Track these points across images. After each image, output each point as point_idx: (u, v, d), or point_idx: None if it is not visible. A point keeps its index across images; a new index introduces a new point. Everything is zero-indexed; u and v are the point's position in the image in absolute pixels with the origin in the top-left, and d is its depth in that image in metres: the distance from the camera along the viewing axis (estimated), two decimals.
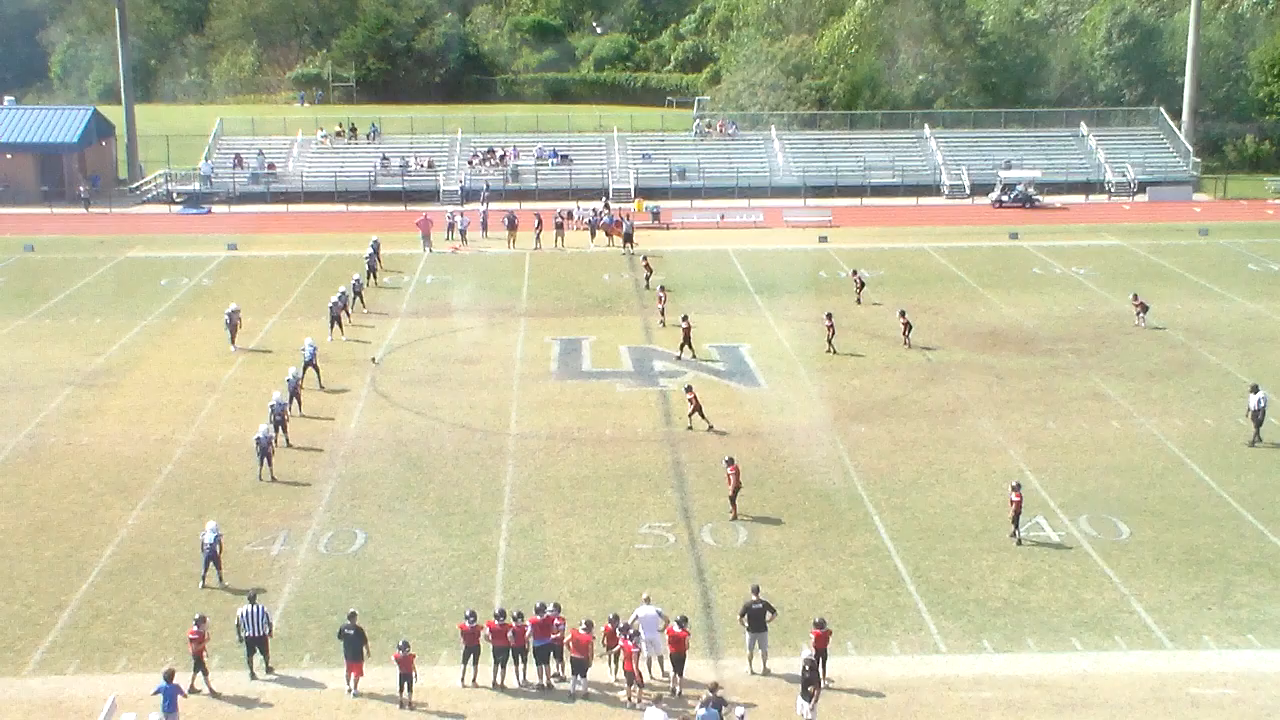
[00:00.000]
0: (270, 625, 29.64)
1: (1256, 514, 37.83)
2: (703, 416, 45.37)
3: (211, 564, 33.78)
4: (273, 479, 40.76)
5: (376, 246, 70.77)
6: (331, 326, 56.89)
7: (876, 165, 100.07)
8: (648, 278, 67.14)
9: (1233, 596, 32.92)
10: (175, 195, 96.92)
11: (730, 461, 38.20)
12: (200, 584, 33.74)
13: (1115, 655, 30.19)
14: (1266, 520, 37.37)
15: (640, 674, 28.55)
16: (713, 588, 33.53)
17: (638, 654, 28.60)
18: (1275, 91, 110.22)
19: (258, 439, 41.09)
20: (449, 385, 50.60)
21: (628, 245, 76.92)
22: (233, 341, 55.50)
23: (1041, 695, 28.52)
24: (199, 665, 28.81)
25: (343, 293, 59.13)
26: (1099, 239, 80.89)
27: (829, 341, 54.75)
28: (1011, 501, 36.24)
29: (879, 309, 61.80)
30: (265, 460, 40.98)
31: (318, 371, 50.01)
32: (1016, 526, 36.26)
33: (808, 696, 27.09)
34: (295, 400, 46.62)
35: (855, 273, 64.85)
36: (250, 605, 29.59)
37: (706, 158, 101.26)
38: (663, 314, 59.15)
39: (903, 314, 56.39)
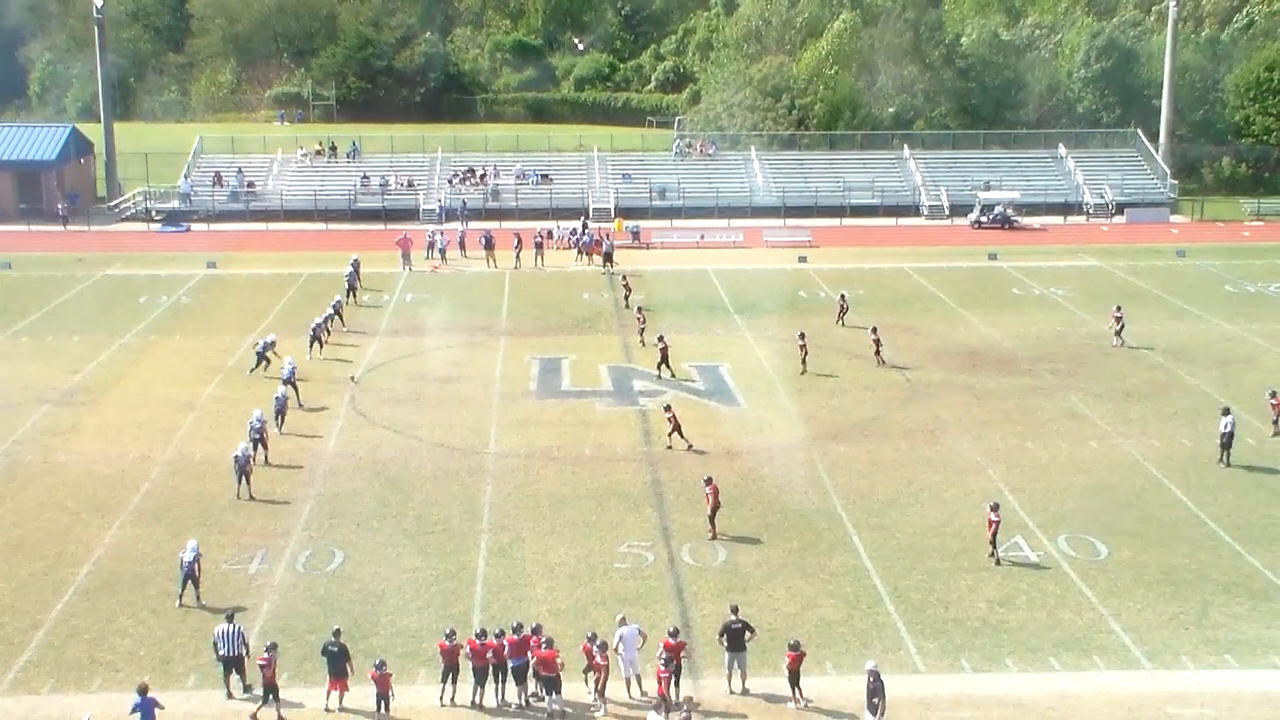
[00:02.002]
0: (247, 645, 29.50)
1: (1233, 534, 37.96)
2: (682, 435, 45.38)
3: (190, 583, 33.58)
4: (250, 497, 40.60)
5: (357, 265, 70.65)
6: (311, 345, 56.64)
7: (856, 186, 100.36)
8: (627, 297, 67.19)
9: (1210, 616, 33.01)
10: (154, 213, 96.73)
11: (709, 481, 38.20)
12: (177, 602, 33.57)
13: (1093, 675, 30.23)
14: (1243, 540, 37.50)
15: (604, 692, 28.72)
16: (692, 607, 33.49)
17: (626, 675, 28.65)
18: (1251, 115, 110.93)
19: (236, 457, 40.96)
20: (428, 404, 50.52)
21: (608, 265, 76.98)
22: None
23: (1020, 715, 28.54)
24: (271, 692, 28.54)
25: (328, 315, 58.77)
26: (1077, 260, 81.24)
27: (802, 362, 54.78)
28: (990, 522, 36.27)
29: (859, 330, 61.85)
30: (243, 479, 40.81)
31: (296, 390, 49.87)
32: (995, 547, 36.32)
33: (874, 709, 27.19)
34: (280, 419, 46.47)
35: (842, 296, 64.21)
36: (228, 624, 29.45)
37: (686, 177, 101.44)
38: (642, 334, 59.14)
39: (874, 331, 56.56)
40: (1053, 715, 28.53)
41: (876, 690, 27.28)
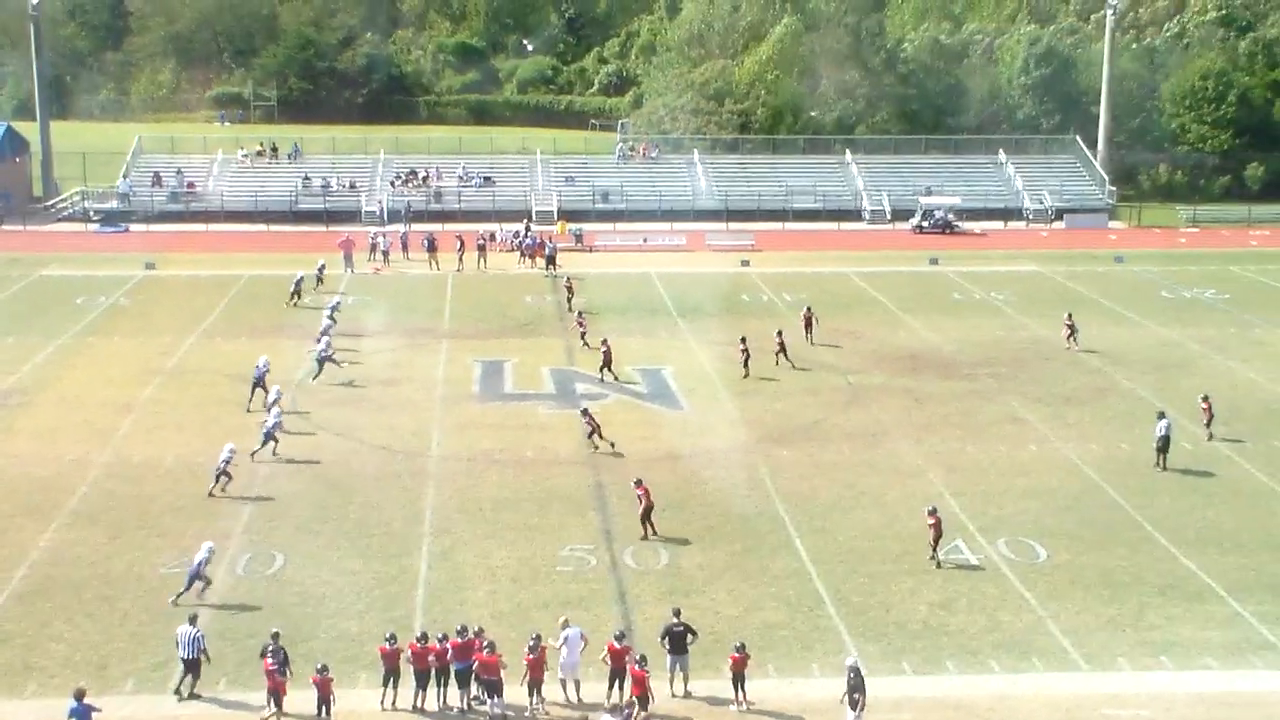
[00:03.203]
0: (203, 650, 29.21)
1: (1170, 537, 38.37)
2: (601, 437, 45.32)
3: (198, 582, 33.38)
4: (211, 495, 40.50)
5: (321, 269, 71.02)
6: (322, 370, 54.23)
7: (798, 190, 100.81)
8: (569, 299, 67.14)
9: (1146, 618, 33.35)
10: (92, 213, 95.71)
11: (639, 483, 38.20)
12: (174, 600, 33.23)
13: (1032, 677, 30.46)
14: (1179, 543, 37.91)
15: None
16: (634, 610, 33.49)
17: (562, 677, 28.61)
18: (1187, 123, 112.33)
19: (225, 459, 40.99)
20: (370, 406, 50.26)
21: (550, 268, 76.89)
22: (250, 402, 49.73)
23: (960, 717, 28.72)
24: (272, 699, 28.30)
25: (326, 342, 55.89)
26: (1017, 265, 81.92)
27: (744, 365, 54.93)
28: (929, 525, 36.56)
29: (800, 334, 62.03)
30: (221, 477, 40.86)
31: (265, 390, 49.20)
32: (935, 550, 36.59)
33: (854, 704, 27.31)
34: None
35: (808, 310, 61.31)
36: (189, 627, 29.25)
37: (629, 181, 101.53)
38: (584, 338, 59.04)
39: (779, 334, 56.84)
40: (992, 717, 28.72)
41: (857, 687, 27.41)
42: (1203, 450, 45.92)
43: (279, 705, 28.23)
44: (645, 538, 37.49)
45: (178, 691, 29.10)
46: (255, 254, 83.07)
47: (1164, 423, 44.46)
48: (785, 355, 56.16)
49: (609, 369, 53.96)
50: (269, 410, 46.17)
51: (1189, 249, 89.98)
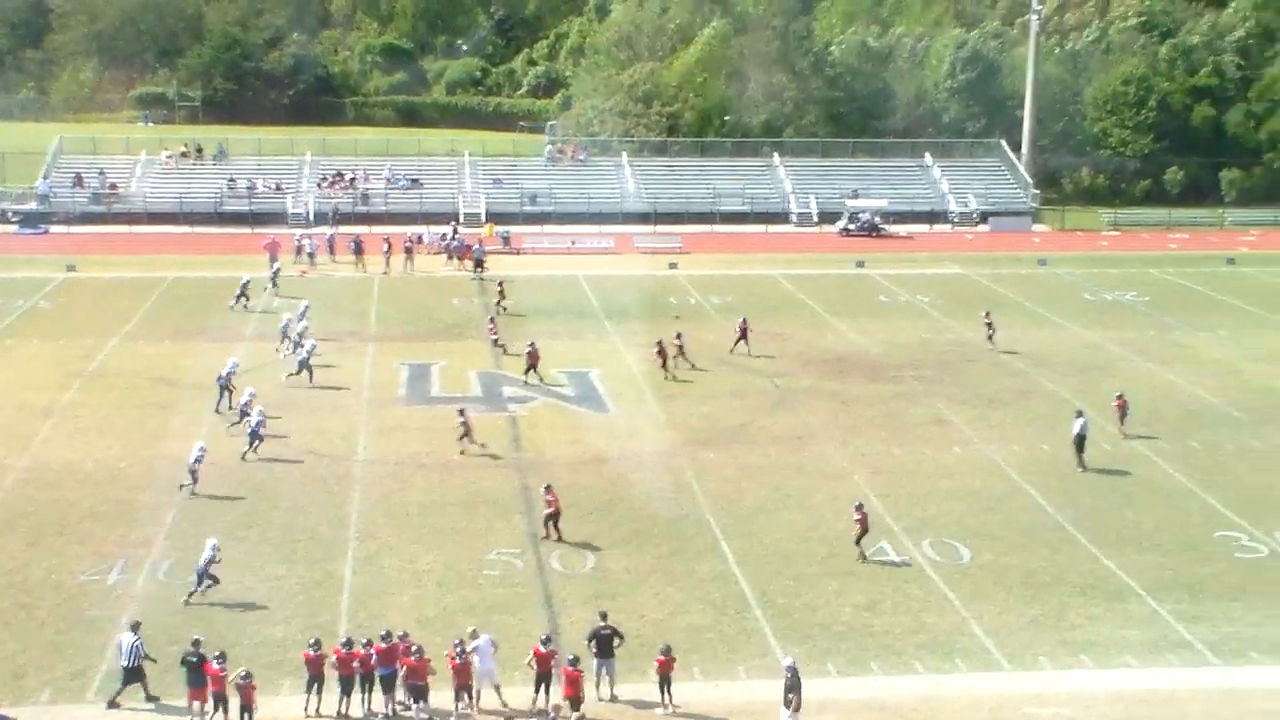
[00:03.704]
0: (140, 658, 28.85)
1: (1090, 537, 38.84)
2: (472, 440, 45.26)
3: (206, 580, 33.45)
4: (192, 493, 40.56)
5: (276, 273, 71.05)
6: (303, 371, 53.74)
7: (726, 193, 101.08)
8: (499, 302, 66.97)
9: (1067, 618, 33.75)
10: (10, 214, 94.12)
11: (548, 489, 38.11)
12: (186, 600, 33.38)
13: (955, 677, 30.75)
14: (1099, 543, 38.39)
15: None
16: (560, 614, 33.47)
17: (478, 687, 28.58)
18: (1108, 127, 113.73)
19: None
20: (295, 410, 49.84)
21: (479, 270, 76.64)
22: (219, 406, 49.24)
23: (884, 718, 28.94)
24: (219, 702, 28.02)
25: (312, 345, 55.55)
26: (942, 268, 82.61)
27: (663, 367, 55.04)
28: (856, 521, 36.91)
29: (729, 336, 62.26)
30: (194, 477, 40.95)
31: (230, 394, 48.89)
32: (859, 546, 36.94)
33: (788, 704, 27.36)
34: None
35: (744, 320, 60.15)
36: (131, 634, 28.98)
37: (558, 183, 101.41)
38: (496, 342, 58.69)
39: (678, 336, 56.91)
40: (916, 717, 28.97)
41: (793, 687, 27.51)
42: (1123, 451, 46.53)
43: (224, 709, 28.01)
44: (547, 537, 37.47)
45: (112, 700, 28.75)
46: (179, 256, 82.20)
47: (1080, 421, 45.12)
48: (683, 356, 56.18)
49: (534, 371, 53.90)
50: (243, 411, 46.04)
51: (1110, 252, 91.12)
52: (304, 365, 53.43)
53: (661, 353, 55.14)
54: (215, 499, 40.64)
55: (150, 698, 28.89)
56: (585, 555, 37.02)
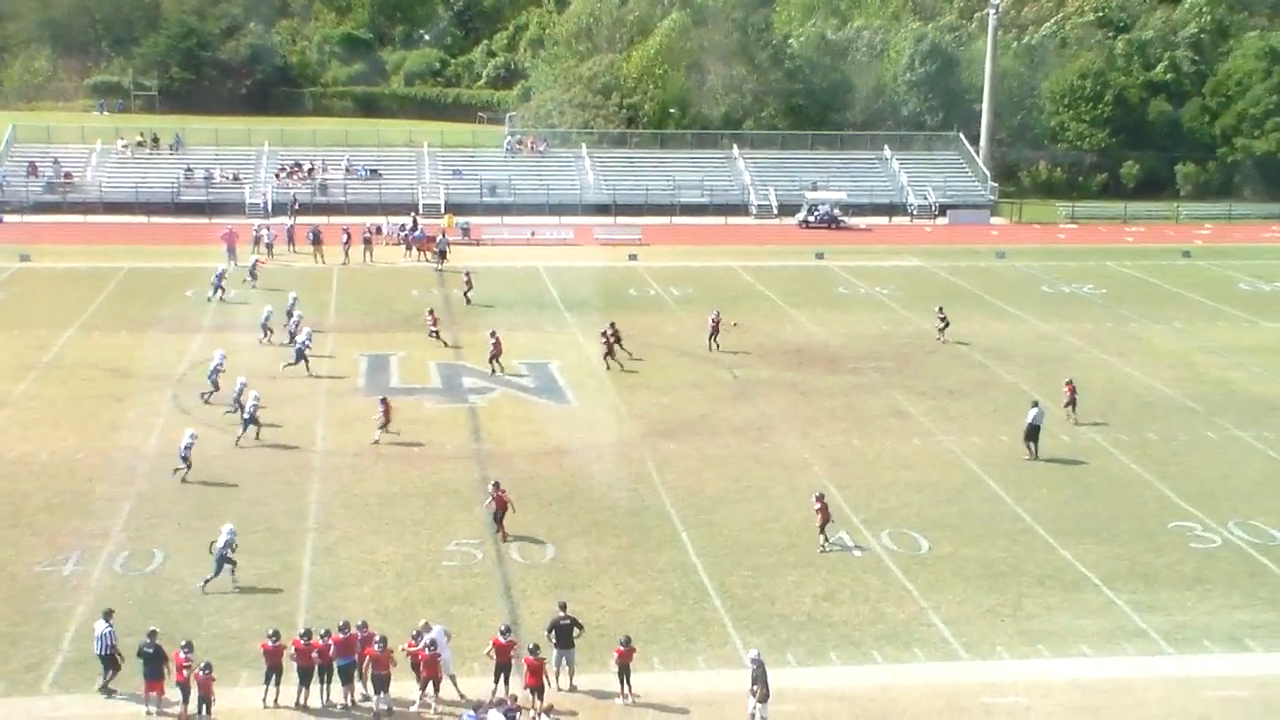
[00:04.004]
0: (112, 647, 28.69)
1: (1047, 528, 39.10)
2: (387, 430, 45.21)
3: (226, 565, 33.76)
4: (184, 479, 40.86)
5: (254, 265, 70.63)
6: (300, 361, 53.62)
7: (686, 184, 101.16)
8: (467, 293, 66.76)
9: (1025, 608, 33.97)
10: None
11: (496, 485, 38.01)
12: (201, 585, 33.62)
13: (914, 667, 30.90)
14: (1056, 534, 38.65)
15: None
16: (520, 604, 33.44)
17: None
18: (1066, 121, 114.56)
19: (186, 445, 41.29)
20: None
21: (442, 262, 76.37)
22: (209, 397, 49.25)
23: (843, 708, 29.05)
24: (186, 694, 27.85)
25: (308, 334, 55.45)
26: (901, 260, 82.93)
27: (606, 357, 55.15)
28: (816, 510, 37.24)
29: (689, 327, 62.44)
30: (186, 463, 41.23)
31: (219, 385, 49.10)
32: (823, 534, 37.23)
33: (753, 694, 27.43)
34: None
35: (717, 313, 59.69)
36: (104, 622, 28.84)
37: (517, 174, 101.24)
38: (437, 335, 58.55)
39: (611, 326, 56.88)
40: (874, 707, 29.09)
41: (759, 677, 27.58)
42: (1080, 443, 46.85)
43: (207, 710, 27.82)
44: (504, 537, 37.27)
45: (104, 688, 28.69)
46: (135, 246, 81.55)
47: (1035, 411, 45.53)
48: (620, 347, 56.13)
49: (497, 361, 53.82)
50: (237, 400, 46.00)
51: (1068, 245, 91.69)
52: (301, 355, 53.36)
53: (606, 342, 55.35)
54: (173, 490, 40.39)
55: (106, 689, 28.69)
56: (545, 546, 37.00)
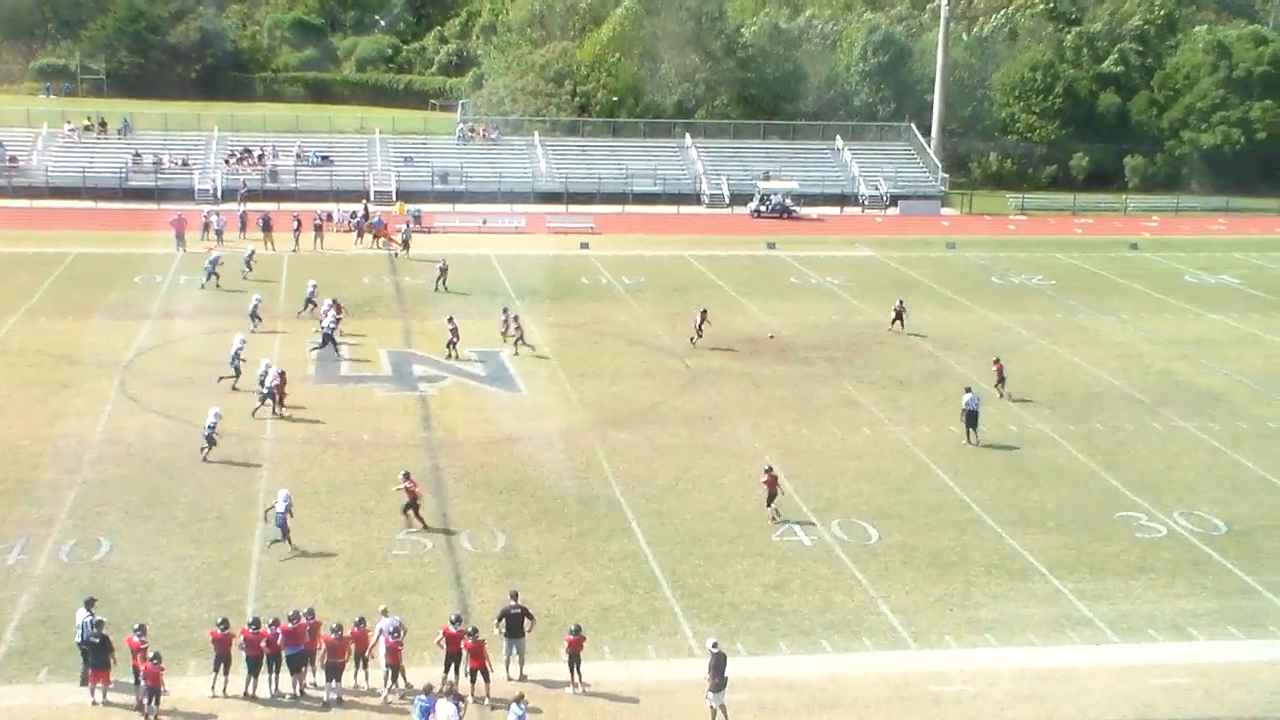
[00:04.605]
0: (90, 635, 28.37)
1: (995, 517, 39.40)
2: (280, 406, 46.02)
3: (281, 530, 35.17)
4: (205, 459, 41.53)
5: (251, 254, 69.96)
6: (326, 345, 54.39)
7: (638, 173, 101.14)
8: (442, 280, 66.51)
9: (972, 597, 34.23)
10: None
11: (406, 475, 37.89)
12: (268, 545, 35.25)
13: (863, 656, 31.08)
14: (1004, 523, 38.95)
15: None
16: (471, 593, 33.40)
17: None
18: (1016, 112, 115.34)
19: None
20: (202, 389, 49.21)
21: (404, 250, 75.92)
22: (235, 384, 49.30)
23: (792, 696, 29.19)
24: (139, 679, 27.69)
25: (335, 317, 55.78)
26: (852, 250, 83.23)
27: (513, 343, 55.72)
28: (764, 484, 38.27)
29: (640, 316, 62.46)
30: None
31: (237, 371, 49.35)
32: (771, 506, 38.19)
33: (712, 685, 27.62)
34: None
35: (704, 311, 58.74)
36: (85, 611, 28.59)
37: (469, 162, 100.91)
38: (337, 324, 58.13)
39: (514, 317, 57.08)
40: (823, 695, 29.24)
41: (715, 667, 27.65)
42: (1028, 433, 47.23)
43: (155, 700, 27.60)
44: (412, 527, 37.06)
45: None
46: (83, 231, 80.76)
47: (969, 396, 46.24)
48: (520, 340, 56.22)
49: (454, 348, 53.81)
50: (262, 380, 46.78)
51: (1018, 236, 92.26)
52: (328, 338, 53.90)
53: (509, 325, 56.46)
54: (120, 478, 40.09)
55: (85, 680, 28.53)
56: (496, 535, 36.97)
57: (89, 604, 28.97)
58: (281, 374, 47.09)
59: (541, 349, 56.34)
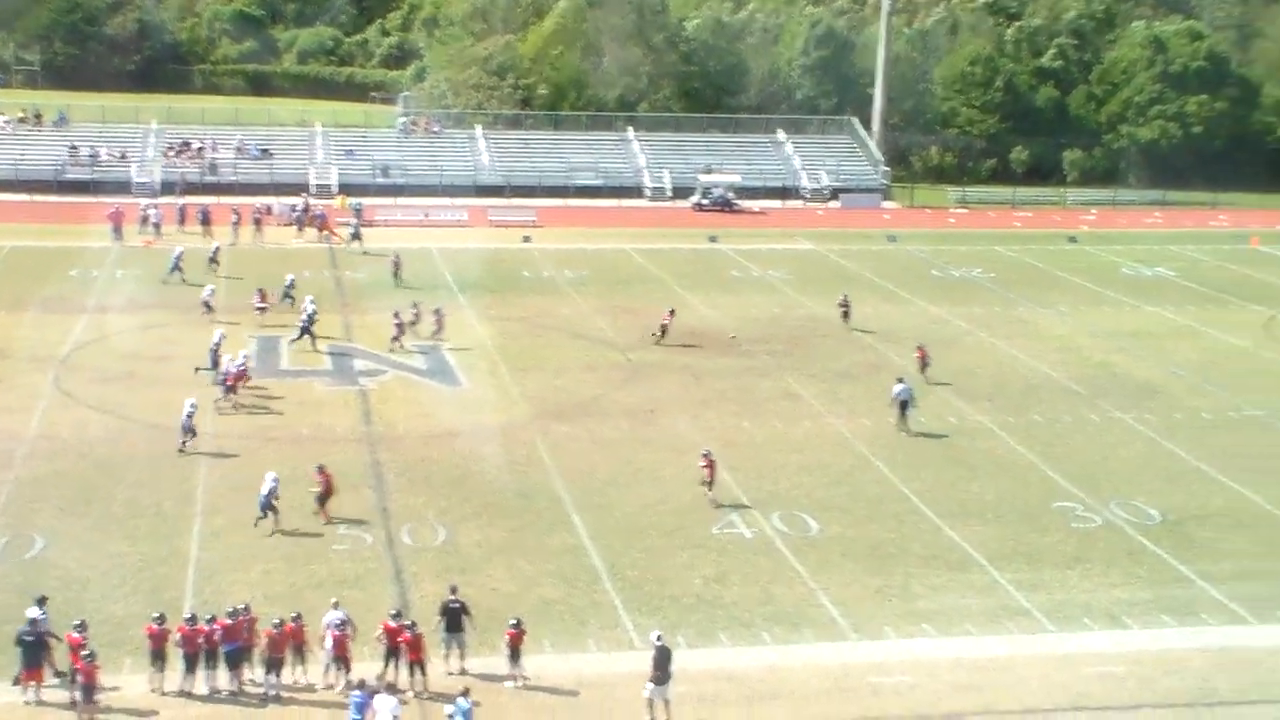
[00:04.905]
0: (45, 632, 28.23)
1: (933, 509, 39.68)
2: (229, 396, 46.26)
3: (269, 511, 35.99)
4: (182, 451, 41.67)
5: (216, 251, 68.88)
6: (304, 337, 54.55)
7: (580, 166, 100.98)
8: (397, 272, 66.16)
9: (911, 588, 34.46)
10: None
11: (321, 469, 37.77)
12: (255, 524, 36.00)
13: (803, 647, 31.23)
14: (942, 515, 39.24)
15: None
16: (411, 588, 33.31)
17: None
18: (956, 106, 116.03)
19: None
20: (140, 383, 48.85)
21: (356, 243, 75.39)
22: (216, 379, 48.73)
23: (733, 688, 29.30)
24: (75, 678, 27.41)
25: (312, 310, 55.50)
26: (794, 243, 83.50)
27: (432, 334, 55.94)
28: (703, 468, 39.06)
29: (582, 310, 62.45)
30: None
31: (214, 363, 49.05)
32: (708, 488, 39.06)
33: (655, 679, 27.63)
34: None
35: (671, 312, 58.85)
36: (36, 609, 28.36)
37: (411, 155, 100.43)
38: (262, 311, 58.26)
39: (414, 306, 57.32)
40: (763, 687, 29.37)
41: (658, 662, 27.65)
42: (968, 424, 47.58)
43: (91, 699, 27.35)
44: (327, 521, 37.02)
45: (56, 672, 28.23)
46: (17, 225, 79.76)
47: (901, 386, 46.89)
48: (412, 330, 56.26)
49: (399, 342, 53.92)
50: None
51: (958, 229, 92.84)
52: (305, 330, 54.20)
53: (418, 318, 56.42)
54: (56, 474, 39.72)
55: (57, 674, 28.21)
56: (436, 529, 36.88)
57: (40, 602, 28.74)
58: (243, 368, 47.20)
59: (465, 344, 56.18)
